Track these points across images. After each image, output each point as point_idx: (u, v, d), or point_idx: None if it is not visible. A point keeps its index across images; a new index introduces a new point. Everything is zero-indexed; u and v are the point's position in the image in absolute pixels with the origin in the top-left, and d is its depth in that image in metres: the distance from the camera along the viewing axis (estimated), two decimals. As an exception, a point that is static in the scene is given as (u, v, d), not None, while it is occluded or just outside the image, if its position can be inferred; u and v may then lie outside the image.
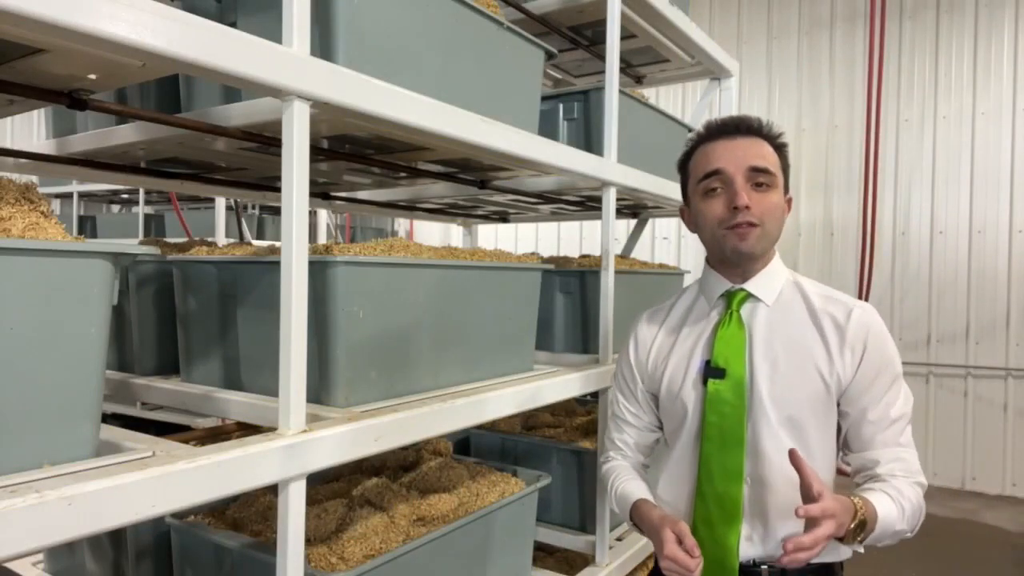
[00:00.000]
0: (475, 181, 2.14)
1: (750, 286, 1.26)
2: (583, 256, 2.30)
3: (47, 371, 0.86)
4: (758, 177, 1.19)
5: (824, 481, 1.07)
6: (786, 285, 1.27)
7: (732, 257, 1.23)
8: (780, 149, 1.25)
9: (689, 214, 1.32)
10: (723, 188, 1.20)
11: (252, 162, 1.73)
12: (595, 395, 1.95)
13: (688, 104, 5.56)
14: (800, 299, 1.25)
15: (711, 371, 1.23)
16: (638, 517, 1.26)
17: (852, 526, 1.06)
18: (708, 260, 1.33)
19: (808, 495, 1.03)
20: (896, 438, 1.19)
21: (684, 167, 1.32)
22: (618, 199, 2.16)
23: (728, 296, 1.27)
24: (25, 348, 0.83)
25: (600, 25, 2.14)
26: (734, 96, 2.97)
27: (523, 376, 1.71)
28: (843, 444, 1.25)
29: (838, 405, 1.22)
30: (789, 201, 1.28)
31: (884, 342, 1.20)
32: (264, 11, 1.22)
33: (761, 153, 1.21)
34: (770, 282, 1.26)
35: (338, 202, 2.50)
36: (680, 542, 1.10)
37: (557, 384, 1.71)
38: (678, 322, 1.36)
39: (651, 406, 1.39)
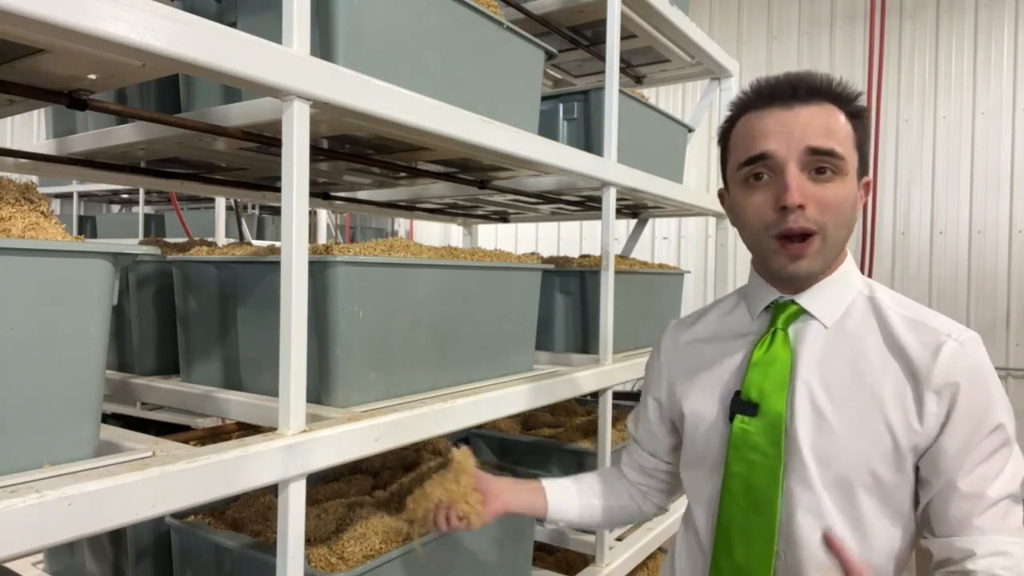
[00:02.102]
0: (475, 181, 2.14)
1: (804, 299, 0.97)
2: (583, 256, 2.30)
3: (47, 371, 0.86)
4: (820, 161, 0.89)
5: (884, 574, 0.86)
6: (857, 300, 0.97)
7: (782, 278, 0.97)
8: (856, 117, 0.93)
9: (728, 201, 1.03)
10: (771, 176, 0.91)
11: (252, 162, 1.73)
12: (595, 395, 1.95)
13: (688, 104, 5.56)
14: (874, 320, 0.95)
15: (740, 405, 0.95)
16: None
17: None
18: (753, 262, 1.04)
19: None
20: (1001, 523, 0.86)
21: (725, 140, 1.02)
22: (618, 199, 2.16)
23: (774, 309, 0.99)
24: (25, 348, 0.83)
25: (600, 25, 2.14)
26: (734, 96, 2.96)
27: (523, 376, 1.71)
28: (922, 523, 0.92)
29: (917, 471, 0.90)
30: (867, 185, 0.97)
31: (987, 392, 0.88)
32: (264, 11, 1.22)
33: (827, 127, 0.90)
34: (833, 295, 0.96)
35: (338, 202, 2.49)
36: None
37: (557, 384, 1.71)
38: (710, 335, 1.08)
39: (654, 429, 1.16)
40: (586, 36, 2.43)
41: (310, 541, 1.38)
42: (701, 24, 2.82)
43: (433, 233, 6.92)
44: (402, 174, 1.96)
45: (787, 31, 5.24)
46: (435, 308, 1.46)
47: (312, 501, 1.58)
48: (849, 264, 0.98)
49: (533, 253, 2.14)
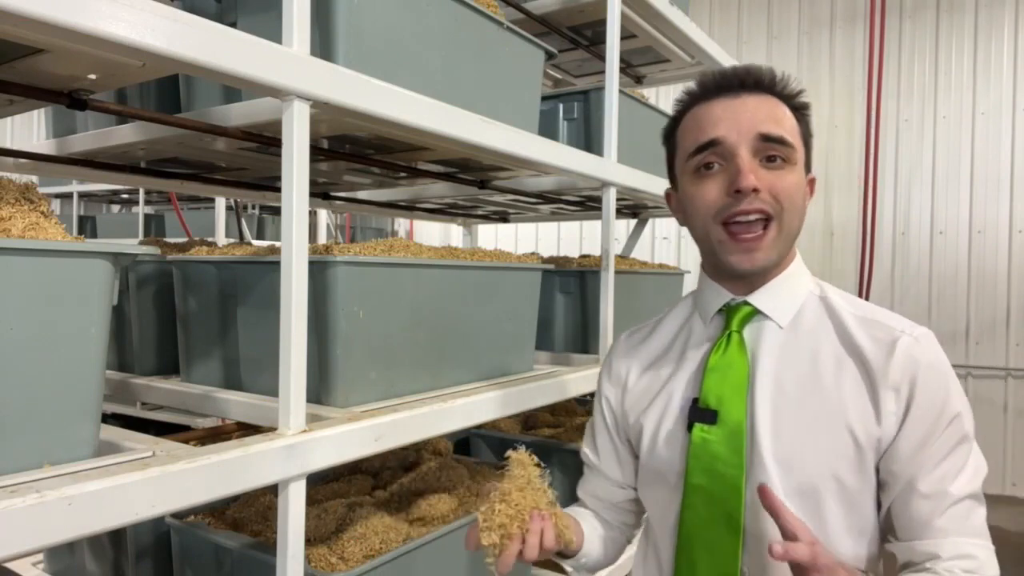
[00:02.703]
0: (475, 181, 2.14)
1: (756, 299, 0.94)
2: (583, 256, 2.30)
3: (47, 371, 0.86)
4: (771, 149, 0.87)
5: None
6: (809, 300, 0.94)
7: (732, 274, 0.93)
8: (800, 112, 0.93)
9: (676, 199, 0.99)
10: (722, 164, 0.89)
11: (252, 162, 1.73)
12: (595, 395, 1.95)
13: (688, 104, 5.56)
14: (828, 321, 0.92)
15: (698, 413, 0.91)
16: None
17: None
18: (703, 264, 1.01)
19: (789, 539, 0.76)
20: (963, 524, 0.84)
21: (671, 137, 0.99)
22: (618, 199, 2.16)
23: (727, 312, 0.96)
24: (25, 348, 0.83)
25: (600, 25, 2.14)
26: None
27: (523, 376, 1.71)
28: (886, 526, 0.89)
29: (877, 471, 0.87)
30: (812, 183, 0.96)
31: (942, 386, 0.86)
32: (264, 11, 1.22)
33: (775, 116, 0.89)
34: (786, 294, 0.94)
35: (338, 202, 2.50)
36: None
37: (557, 384, 1.71)
38: (664, 347, 1.04)
39: (619, 456, 1.08)
40: (586, 36, 2.43)
41: (310, 541, 1.38)
42: (701, 24, 2.82)
43: (433, 233, 6.92)
44: (402, 174, 1.96)
45: (787, 31, 5.24)
46: (435, 308, 1.46)
47: (312, 501, 1.58)
48: (799, 263, 0.96)
49: (533, 253, 2.14)
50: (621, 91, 2.01)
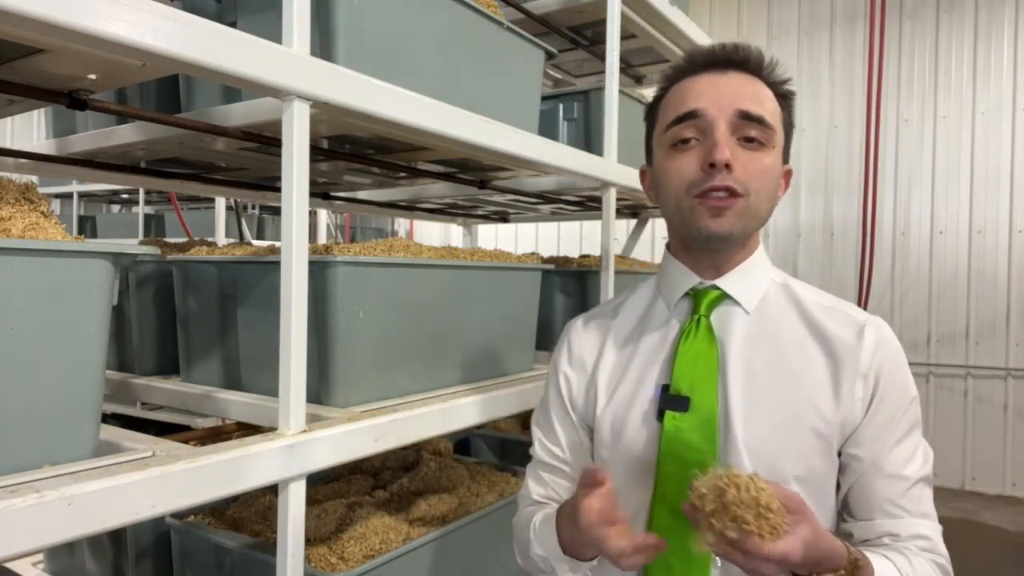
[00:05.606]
0: (475, 181, 2.14)
1: (725, 283, 0.93)
2: (583, 256, 2.30)
3: (47, 371, 0.86)
4: (749, 129, 0.86)
5: None
6: (772, 287, 0.95)
7: (700, 240, 0.90)
8: (784, 99, 0.93)
9: (650, 175, 0.98)
10: (699, 139, 0.88)
11: (252, 162, 1.73)
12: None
13: (688, 104, 5.56)
14: (792, 308, 0.93)
15: (669, 400, 0.89)
16: (563, 528, 0.87)
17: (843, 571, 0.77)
18: (669, 245, 0.99)
19: None
20: (918, 505, 0.88)
21: (652, 112, 0.99)
22: (618, 199, 2.16)
23: (694, 296, 0.94)
24: (25, 348, 0.83)
25: (600, 25, 2.14)
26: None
27: (524, 376, 1.71)
28: (843, 507, 0.91)
29: (839, 455, 0.89)
30: (788, 175, 0.95)
31: (904, 373, 0.90)
32: (264, 11, 1.22)
33: (758, 96, 0.88)
34: (752, 279, 0.94)
35: (338, 202, 2.50)
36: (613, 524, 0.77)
37: (557, 384, 1.71)
38: (628, 331, 1.00)
39: (584, 447, 1.02)
40: (586, 36, 2.43)
41: (310, 541, 1.38)
42: (701, 24, 2.82)
43: (433, 233, 6.92)
44: (402, 174, 1.96)
45: (787, 31, 5.24)
46: (435, 308, 1.46)
47: (312, 501, 1.58)
48: (762, 251, 0.96)
49: (533, 253, 2.14)
50: (621, 91, 2.01)
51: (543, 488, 1.04)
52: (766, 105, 0.89)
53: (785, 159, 0.93)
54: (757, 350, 0.90)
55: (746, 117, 0.86)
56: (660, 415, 0.89)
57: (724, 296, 0.93)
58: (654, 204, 0.95)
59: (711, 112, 0.87)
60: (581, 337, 1.04)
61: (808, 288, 0.96)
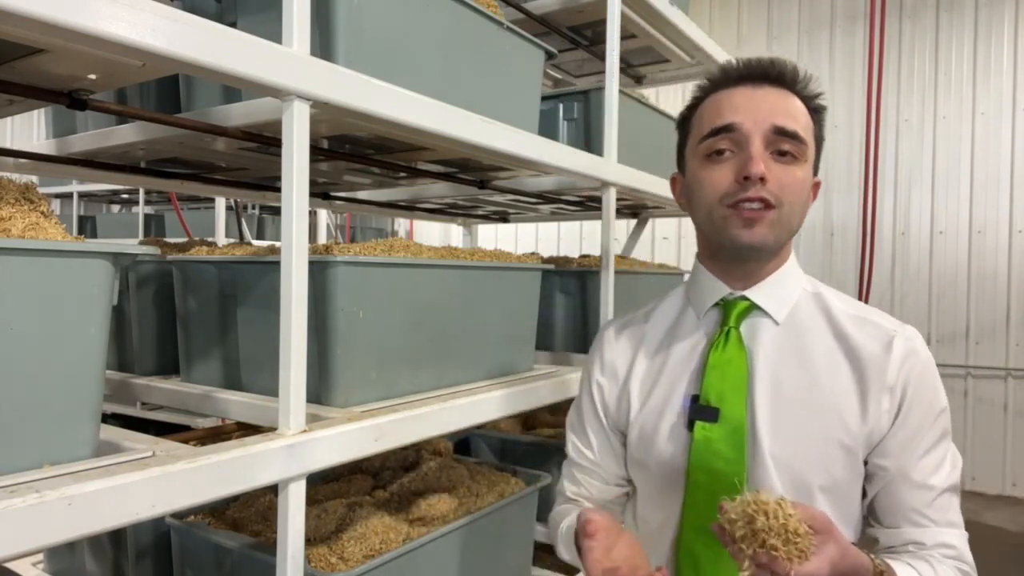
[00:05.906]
0: (475, 181, 2.14)
1: (755, 294, 0.94)
2: (583, 256, 2.30)
3: (47, 371, 0.86)
4: (783, 143, 0.88)
5: None
6: (803, 297, 0.95)
7: (732, 249, 0.92)
8: (817, 113, 0.95)
9: (682, 183, 1.00)
10: (733, 151, 0.90)
11: (252, 162, 1.73)
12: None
13: (688, 104, 5.56)
14: (823, 318, 0.94)
15: (699, 411, 0.91)
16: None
17: None
18: (699, 255, 1.03)
19: None
20: (945, 514, 0.88)
21: (686, 121, 1.00)
22: (618, 199, 2.16)
23: (724, 307, 0.96)
24: (25, 348, 0.83)
25: (600, 25, 2.14)
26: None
27: (524, 376, 1.71)
28: (869, 512, 0.93)
29: (864, 464, 0.90)
30: (817, 186, 0.97)
31: (933, 384, 0.91)
32: (264, 11, 1.22)
33: (792, 111, 0.90)
34: (782, 290, 0.95)
35: (338, 202, 2.49)
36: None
37: (557, 384, 1.71)
38: (659, 339, 1.02)
39: (615, 450, 1.05)
40: (586, 36, 2.43)
41: (310, 541, 1.38)
42: (701, 24, 2.82)
43: (433, 233, 6.92)
44: (402, 174, 1.96)
45: (787, 31, 5.24)
46: (435, 308, 1.46)
47: (312, 501, 1.58)
48: (794, 260, 0.98)
49: (533, 253, 2.14)
50: (621, 91, 2.01)
51: (576, 487, 1.11)
52: (800, 120, 0.91)
53: (815, 171, 0.96)
54: (785, 362, 0.92)
55: (781, 132, 0.88)
56: (690, 425, 0.92)
57: (753, 307, 0.95)
58: (684, 210, 0.99)
59: (747, 126, 0.89)
60: (613, 346, 1.07)
61: (839, 297, 0.97)
